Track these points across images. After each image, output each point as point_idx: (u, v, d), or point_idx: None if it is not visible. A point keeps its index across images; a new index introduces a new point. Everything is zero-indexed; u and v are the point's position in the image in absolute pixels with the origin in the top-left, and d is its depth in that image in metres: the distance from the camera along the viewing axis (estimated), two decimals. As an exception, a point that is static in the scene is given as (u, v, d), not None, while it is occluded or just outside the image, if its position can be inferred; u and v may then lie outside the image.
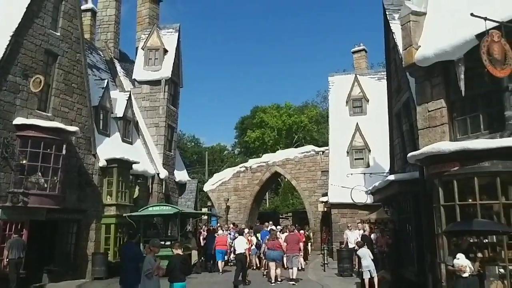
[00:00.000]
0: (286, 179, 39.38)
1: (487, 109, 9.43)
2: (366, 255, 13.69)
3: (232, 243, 19.65)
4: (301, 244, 18.65)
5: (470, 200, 8.81)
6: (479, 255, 8.60)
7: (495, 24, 8.21)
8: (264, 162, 34.10)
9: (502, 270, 8.38)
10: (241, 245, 16.43)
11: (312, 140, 51.62)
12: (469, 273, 7.97)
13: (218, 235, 20.60)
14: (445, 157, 8.82)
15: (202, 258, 20.49)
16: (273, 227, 20.94)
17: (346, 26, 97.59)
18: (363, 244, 13.98)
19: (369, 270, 13.52)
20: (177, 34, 25.76)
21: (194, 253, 19.18)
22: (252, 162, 34.96)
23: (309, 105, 60.93)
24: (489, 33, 8.16)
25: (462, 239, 8.41)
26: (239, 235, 17.85)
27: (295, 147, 41.37)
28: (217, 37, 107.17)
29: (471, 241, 8.69)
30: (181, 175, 26.59)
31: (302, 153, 33.31)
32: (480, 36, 8.40)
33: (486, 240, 8.71)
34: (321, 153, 32.34)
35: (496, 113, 9.11)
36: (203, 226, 26.42)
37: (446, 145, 8.95)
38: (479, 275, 8.22)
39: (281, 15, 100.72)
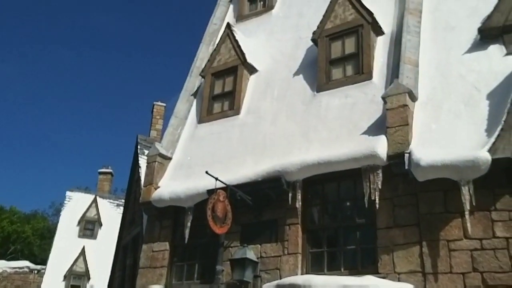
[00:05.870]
0: (-17, 297, 33.22)
1: (204, 259, 10.08)
2: None
3: None
4: None
5: None
6: None
7: (224, 185, 9.24)
8: (-39, 272, 28.40)
9: None
10: None
11: (31, 255, 46.00)
12: None
13: None
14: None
15: None
16: None
17: (102, 143, 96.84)
18: None
19: None
20: None
21: None
22: None
23: (38, 215, 55.51)
24: (217, 192, 9.08)
25: None
26: None
27: (8, 260, 36.14)
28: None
29: None
30: None
31: (14, 268, 29.13)
32: (210, 192, 9.26)
33: None
34: (35, 271, 28.83)
35: (209, 264, 9.77)
36: None
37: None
38: None
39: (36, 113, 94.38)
